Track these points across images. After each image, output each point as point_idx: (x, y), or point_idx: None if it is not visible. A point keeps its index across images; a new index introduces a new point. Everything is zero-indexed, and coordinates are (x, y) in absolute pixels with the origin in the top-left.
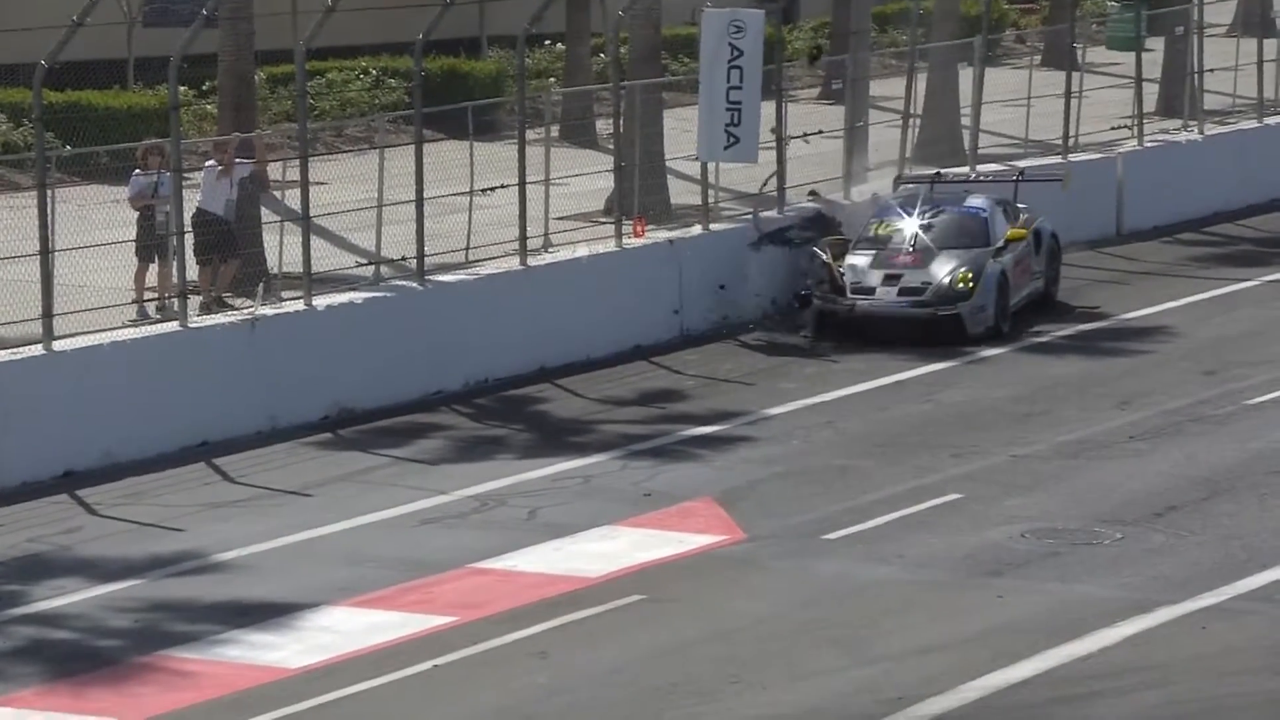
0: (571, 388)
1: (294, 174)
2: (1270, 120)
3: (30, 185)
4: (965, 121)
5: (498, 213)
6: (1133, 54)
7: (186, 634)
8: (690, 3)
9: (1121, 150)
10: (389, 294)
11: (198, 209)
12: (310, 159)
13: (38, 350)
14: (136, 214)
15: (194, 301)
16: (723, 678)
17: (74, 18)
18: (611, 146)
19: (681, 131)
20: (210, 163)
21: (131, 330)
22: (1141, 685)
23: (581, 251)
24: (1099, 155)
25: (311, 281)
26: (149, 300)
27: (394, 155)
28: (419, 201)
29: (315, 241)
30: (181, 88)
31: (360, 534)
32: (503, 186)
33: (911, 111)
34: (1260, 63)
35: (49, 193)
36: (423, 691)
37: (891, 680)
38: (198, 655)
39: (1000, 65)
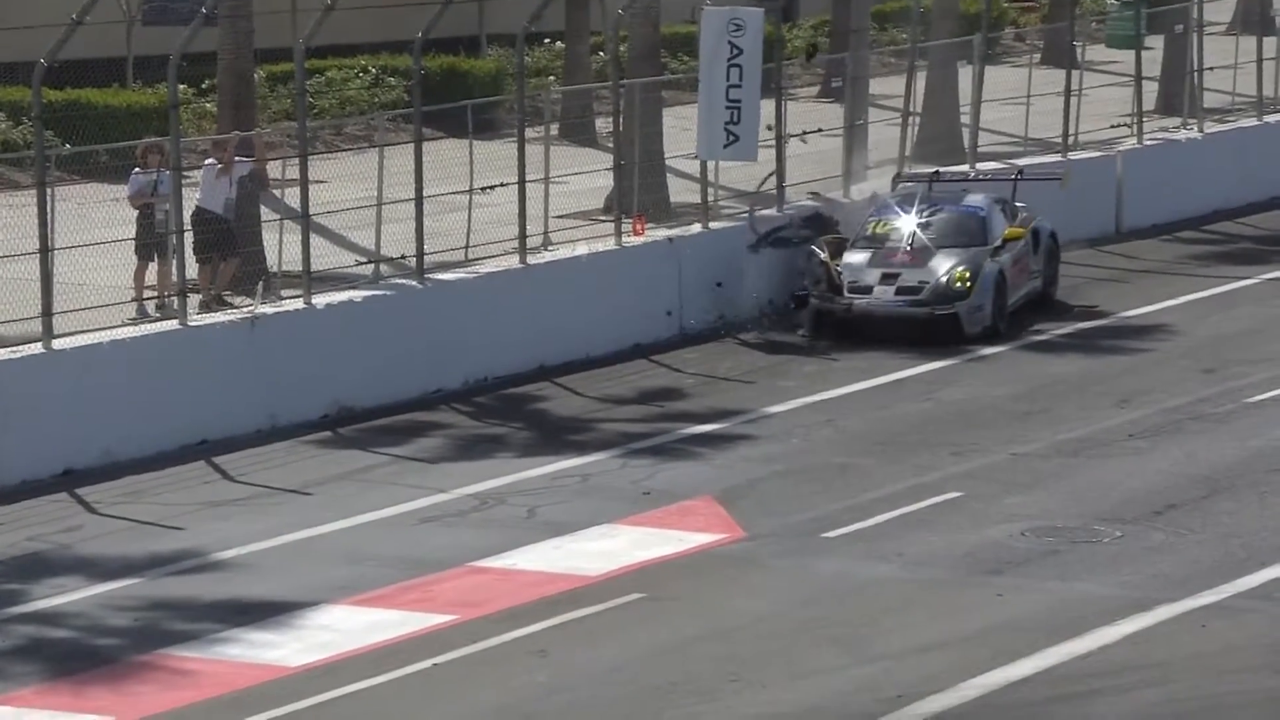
0: (571, 386)
1: (293, 172)
2: (1270, 118)
3: (30, 184)
4: (965, 120)
5: (497, 211)
6: (1132, 52)
7: (186, 633)
8: (690, 1)
9: (1121, 148)
10: (388, 292)
11: (197, 207)
12: (310, 157)
13: (37, 349)
14: (136, 212)
15: (193, 300)
16: (722, 676)
17: (73, 16)
18: (611, 145)
19: (681, 130)
20: (210, 161)
21: (131, 329)
22: (1141, 683)
23: (581, 250)
24: (1098, 153)
25: (311, 280)
26: (148, 299)
27: (393, 154)
28: (418, 200)
29: (315, 240)
30: (181, 86)
31: (360, 532)
32: (502, 185)
33: (911, 110)
34: (1260, 61)
35: (48, 191)
36: (422, 690)
37: (891, 678)
38: (197, 654)
39: (1000, 63)
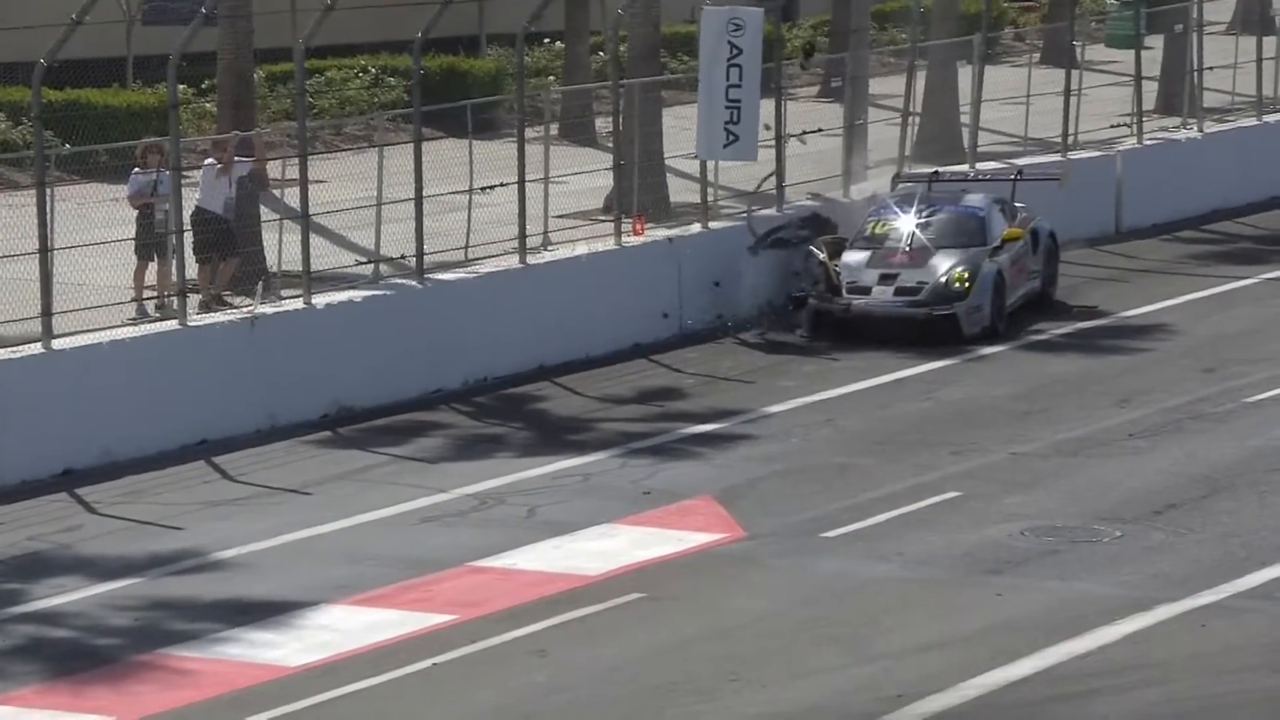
0: (571, 386)
1: (293, 172)
2: (1269, 118)
3: (29, 184)
4: (965, 120)
5: (497, 211)
6: (1132, 52)
7: (186, 632)
8: (689, 1)
9: (1121, 148)
10: (388, 292)
11: (197, 207)
12: (309, 157)
13: (37, 349)
14: (135, 212)
15: (193, 300)
16: (722, 676)
17: (73, 16)
18: (611, 145)
19: (681, 130)
20: (209, 161)
21: (131, 329)
22: (1141, 683)
23: (581, 250)
24: (1098, 153)
25: (311, 280)
26: (148, 299)
27: (393, 153)
28: (418, 200)
29: (314, 240)
30: (180, 86)
31: (359, 532)
32: (502, 185)
33: (911, 109)
34: (1259, 60)
35: (48, 191)
36: (422, 690)
37: (891, 678)
38: (197, 654)
39: (999, 63)
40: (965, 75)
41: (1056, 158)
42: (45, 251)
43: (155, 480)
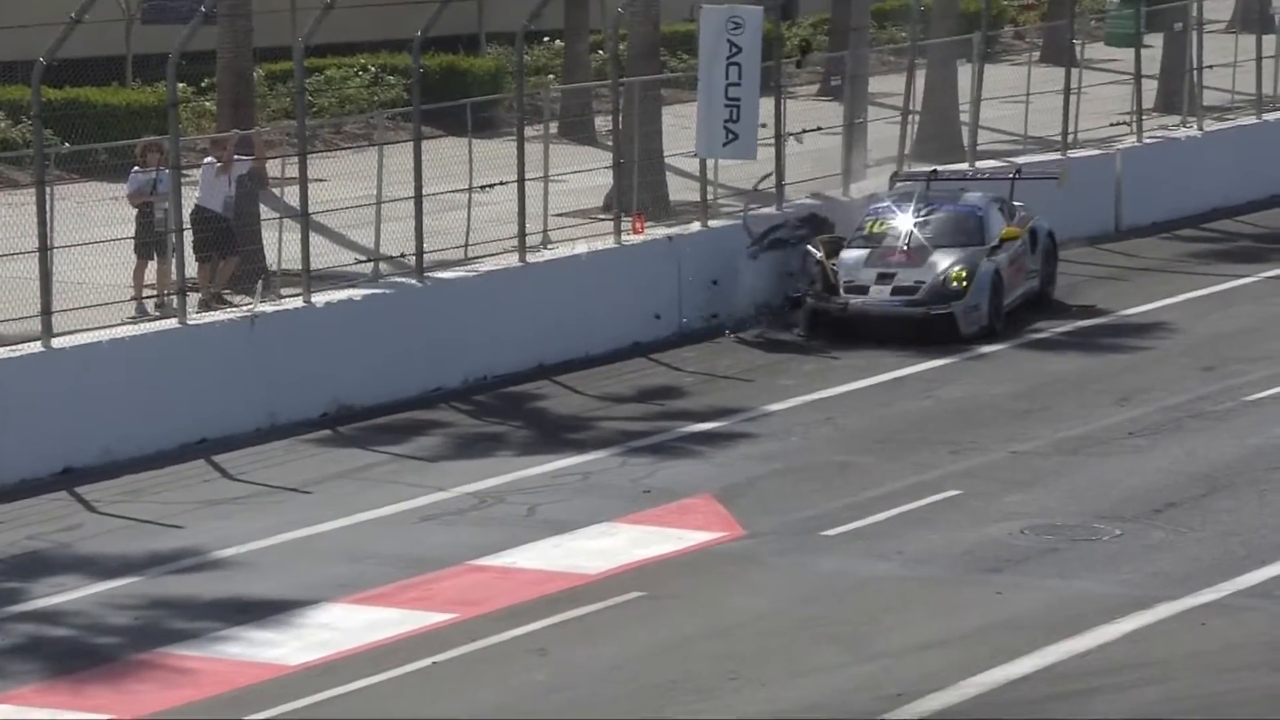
0: (570, 384)
1: (293, 171)
2: (1269, 116)
3: (29, 182)
4: (964, 118)
5: (497, 210)
6: (1132, 50)
7: (186, 631)
8: None
9: (1120, 146)
10: (388, 291)
11: (196, 206)
12: (309, 156)
13: (36, 347)
14: (135, 211)
15: (193, 299)
16: (722, 674)
17: (72, 14)
18: (610, 143)
19: (680, 128)
20: (209, 160)
21: (130, 327)
22: (1140, 681)
23: (580, 248)
24: (1098, 151)
25: (310, 279)
26: (148, 297)
27: (393, 152)
28: (418, 198)
29: (314, 238)
30: (180, 85)
31: (359, 531)
32: (501, 183)
33: (910, 108)
34: (1259, 58)
35: (48, 190)
36: (422, 689)
37: (891, 677)
38: (197, 652)
39: (999, 61)
40: (965, 74)
41: (1056, 156)
42: (45, 250)
43: (155, 479)
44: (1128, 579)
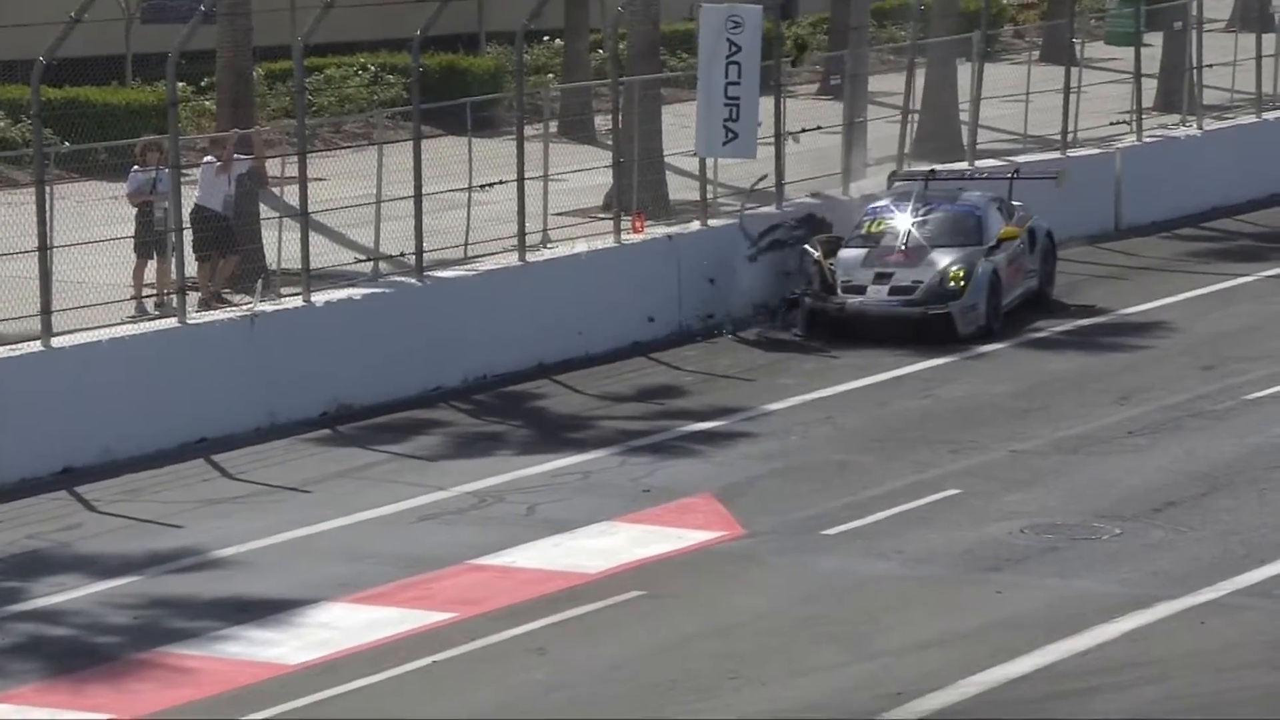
0: (570, 384)
1: (292, 170)
2: (1269, 115)
3: (29, 181)
4: (964, 117)
5: (496, 209)
6: (1131, 49)
7: (185, 630)
8: None
9: (1120, 145)
10: (388, 290)
11: (196, 205)
12: (308, 155)
13: (36, 347)
14: (135, 210)
15: (193, 298)
16: (722, 674)
17: (72, 14)
18: (610, 142)
19: (680, 127)
20: (208, 159)
21: (130, 327)
22: (1140, 680)
23: (580, 247)
24: (1098, 150)
25: (310, 278)
26: (148, 297)
27: (392, 151)
28: (417, 198)
29: (314, 238)
30: (180, 84)
31: (359, 530)
32: (501, 182)
33: (910, 107)
34: (1259, 57)
35: (47, 189)
36: (421, 688)
37: (891, 675)
38: (197, 652)
39: (999, 60)
40: (965, 72)
41: (1056, 155)
42: (44, 249)
43: (155, 478)
44: (1127, 578)
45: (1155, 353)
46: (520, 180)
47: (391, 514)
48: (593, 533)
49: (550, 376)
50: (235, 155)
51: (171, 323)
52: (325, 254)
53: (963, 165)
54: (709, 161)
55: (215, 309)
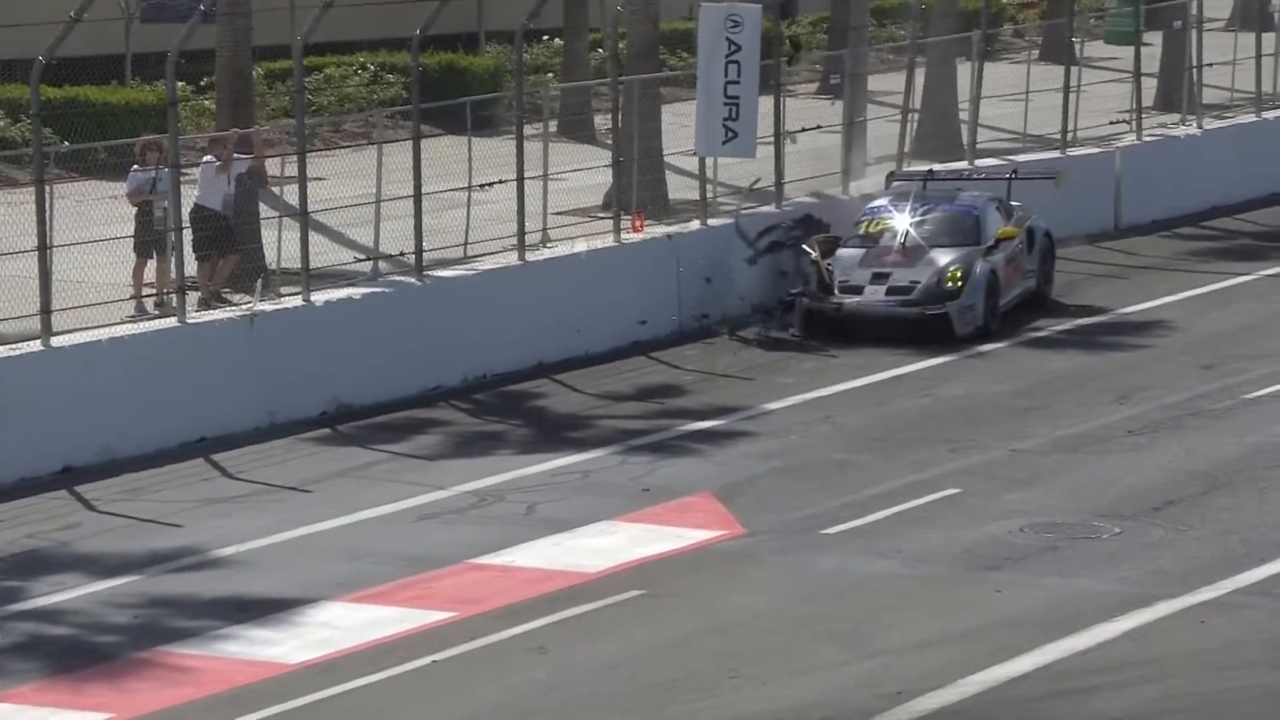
0: (570, 383)
1: (292, 169)
2: (1268, 114)
3: (28, 181)
4: (964, 116)
5: (496, 208)
6: (1131, 48)
7: (185, 630)
8: None
9: (1120, 145)
10: (387, 290)
11: (195, 205)
12: (308, 154)
13: (36, 346)
14: (135, 210)
15: (192, 297)
16: (722, 673)
17: (72, 13)
18: (610, 142)
19: (680, 127)
20: (208, 158)
21: (130, 326)
22: (1140, 679)
23: (580, 247)
24: (1097, 150)
25: (310, 277)
26: (147, 296)
27: (392, 151)
28: (417, 197)
29: (313, 237)
30: (179, 83)
31: (359, 529)
32: (501, 182)
33: (910, 106)
34: (1259, 57)
35: (47, 188)
36: (421, 687)
37: (891, 675)
38: (196, 651)
39: (998, 60)
40: (964, 72)
41: (1055, 155)
42: (44, 249)
43: (154, 478)
44: (1127, 577)
45: (1155, 352)
46: (520, 180)
47: (391, 513)
48: (592, 532)
49: (550, 376)
50: (235, 155)
51: (171, 322)
52: (325, 253)
53: (962, 165)
54: (708, 161)
55: (215, 308)
